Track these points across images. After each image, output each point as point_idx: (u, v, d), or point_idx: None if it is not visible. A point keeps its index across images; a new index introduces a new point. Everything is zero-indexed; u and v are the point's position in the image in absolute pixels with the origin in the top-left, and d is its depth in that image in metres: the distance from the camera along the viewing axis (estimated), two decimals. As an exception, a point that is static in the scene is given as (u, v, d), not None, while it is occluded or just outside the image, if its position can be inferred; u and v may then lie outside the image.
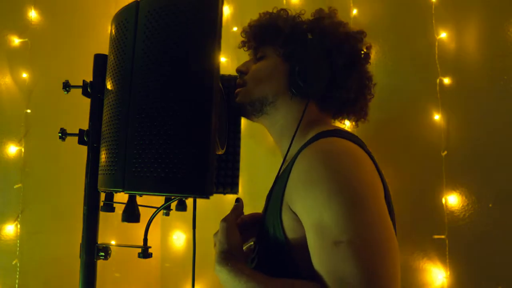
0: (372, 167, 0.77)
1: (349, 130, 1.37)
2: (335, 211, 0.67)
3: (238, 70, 0.97)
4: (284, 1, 1.65)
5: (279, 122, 0.92)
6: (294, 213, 0.75)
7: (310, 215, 0.70)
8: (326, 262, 0.66)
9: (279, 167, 0.86)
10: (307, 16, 0.96)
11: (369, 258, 0.64)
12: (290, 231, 0.76)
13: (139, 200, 0.76)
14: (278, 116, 0.92)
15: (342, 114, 0.97)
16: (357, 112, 0.96)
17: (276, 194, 0.81)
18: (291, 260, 0.76)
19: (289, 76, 0.86)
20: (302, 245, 0.73)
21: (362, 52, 0.92)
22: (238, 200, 0.86)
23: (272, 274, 0.74)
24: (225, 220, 0.81)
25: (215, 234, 0.85)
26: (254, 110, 0.92)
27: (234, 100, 0.95)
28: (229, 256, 0.76)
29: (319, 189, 0.69)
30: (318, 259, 0.68)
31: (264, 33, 0.94)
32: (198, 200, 0.74)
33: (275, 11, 0.97)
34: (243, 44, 1.02)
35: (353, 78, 0.89)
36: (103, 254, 0.77)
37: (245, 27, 0.99)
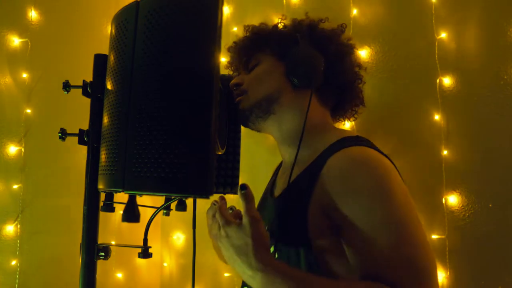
0: (398, 173, 0.83)
1: (350, 129, 1.37)
2: (388, 218, 0.74)
3: (233, 84, 0.97)
4: (284, 1, 1.65)
5: (286, 122, 0.93)
6: (327, 214, 0.78)
7: (360, 219, 0.74)
8: (389, 264, 0.71)
9: (291, 167, 0.87)
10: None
11: (423, 255, 0.73)
12: (316, 232, 0.78)
13: (139, 200, 0.76)
14: (284, 113, 0.92)
15: (340, 105, 0.99)
16: (355, 99, 1.00)
17: (300, 195, 0.82)
18: (313, 259, 0.77)
19: (288, 71, 0.91)
20: (325, 245, 0.77)
21: (347, 42, 0.98)
22: (245, 187, 0.75)
23: None
24: (253, 213, 0.72)
25: (214, 219, 0.79)
26: (261, 111, 0.92)
27: (237, 111, 0.95)
28: (269, 255, 0.71)
29: (368, 198, 0.75)
30: (378, 262, 0.72)
31: (254, 43, 0.97)
32: (198, 200, 0.74)
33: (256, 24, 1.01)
34: (230, 64, 1.05)
35: (345, 61, 0.95)
36: (103, 254, 0.77)
37: (231, 47, 1.03)
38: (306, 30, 0.94)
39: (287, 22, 1.01)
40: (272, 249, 0.84)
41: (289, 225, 0.83)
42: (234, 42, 1.02)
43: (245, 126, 0.97)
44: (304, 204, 0.80)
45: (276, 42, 0.94)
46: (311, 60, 0.89)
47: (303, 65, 0.89)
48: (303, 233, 0.78)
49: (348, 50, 0.97)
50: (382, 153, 0.85)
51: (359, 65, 1.01)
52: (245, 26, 1.03)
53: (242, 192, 0.74)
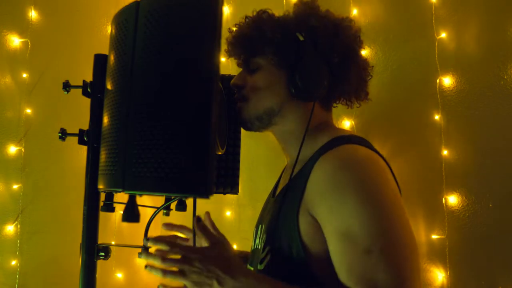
0: (390, 174, 0.80)
1: (350, 129, 1.37)
2: (365, 220, 0.70)
3: (234, 85, 0.93)
4: (284, 1, 1.65)
5: (287, 128, 0.91)
6: (314, 218, 0.76)
7: (337, 223, 0.72)
8: (359, 270, 0.69)
9: (291, 170, 0.85)
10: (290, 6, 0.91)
11: (401, 264, 0.69)
12: (306, 235, 0.77)
13: (139, 200, 0.76)
14: (286, 123, 0.91)
15: (344, 100, 0.95)
16: (359, 97, 0.95)
17: (292, 198, 0.81)
18: (305, 263, 0.76)
19: (290, 83, 0.86)
20: (317, 249, 0.75)
21: (355, 39, 0.91)
22: (199, 219, 0.82)
23: (285, 278, 0.74)
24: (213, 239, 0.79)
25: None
26: (262, 124, 0.90)
27: (238, 117, 0.93)
28: (244, 271, 0.74)
29: (347, 197, 0.72)
30: (349, 266, 0.70)
31: (253, 44, 0.90)
32: (198, 200, 0.74)
33: (254, 13, 0.93)
34: (229, 54, 0.96)
35: (352, 70, 0.89)
36: (103, 254, 0.77)
37: (229, 37, 0.95)
38: (309, 35, 0.86)
39: (289, 11, 0.92)
40: (266, 250, 0.84)
41: (281, 226, 0.81)
42: (234, 36, 0.94)
43: (246, 130, 0.97)
44: (296, 205, 0.79)
45: (277, 48, 0.87)
46: (314, 74, 0.84)
47: (305, 79, 0.83)
48: (294, 231, 0.77)
49: (354, 56, 0.90)
50: (376, 152, 0.82)
51: (366, 63, 0.94)
52: (245, 17, 0.94)
53: (197, 222, 0.80)
